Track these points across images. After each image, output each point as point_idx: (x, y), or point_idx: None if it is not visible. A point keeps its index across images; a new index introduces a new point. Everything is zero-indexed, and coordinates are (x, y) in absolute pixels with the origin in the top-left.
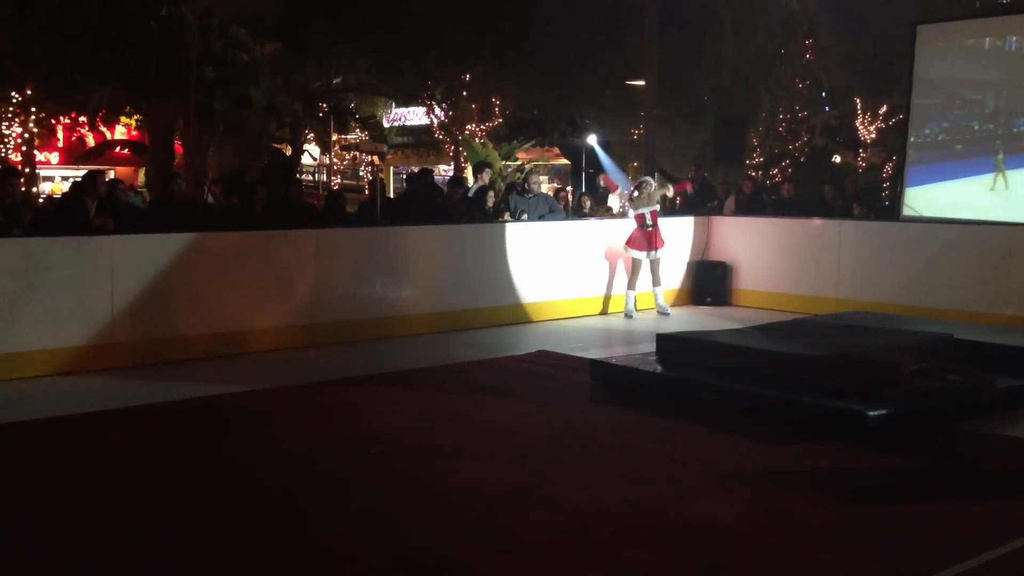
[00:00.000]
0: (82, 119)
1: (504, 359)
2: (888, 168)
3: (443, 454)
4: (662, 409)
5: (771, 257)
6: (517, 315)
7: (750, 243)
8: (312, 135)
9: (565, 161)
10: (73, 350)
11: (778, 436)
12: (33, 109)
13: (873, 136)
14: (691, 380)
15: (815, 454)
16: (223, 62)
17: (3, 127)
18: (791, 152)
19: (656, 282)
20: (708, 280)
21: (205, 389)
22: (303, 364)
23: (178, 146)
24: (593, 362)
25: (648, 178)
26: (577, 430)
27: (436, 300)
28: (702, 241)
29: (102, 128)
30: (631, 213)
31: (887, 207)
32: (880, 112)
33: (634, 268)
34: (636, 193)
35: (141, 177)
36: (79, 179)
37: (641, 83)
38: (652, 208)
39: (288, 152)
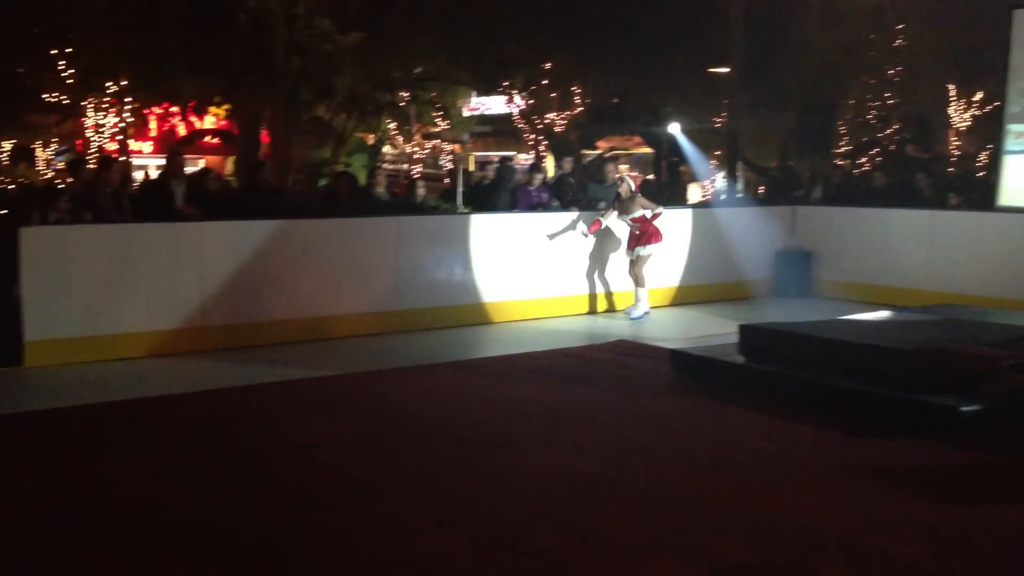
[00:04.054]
0: (173, 109)
1: (584, 348)
2: (983, 157)
3: (522, 441)
4: (745, 401)
5: (858, 247)
6: (600, 303)
7: (837, 233)
8: (394, 124)
9: (647, 150)
10: (165, 333)
11: (866, 431)
12: (128, 100)
13: (968, 124)
14: (775, 372)
15: (905, 450)
16: (308, 52)
17: (100, 118)
18: (880, 140)
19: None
20: (791, 271)
21: (290, 373)
22: (386, 350)
23: (265, 135)
24: (674, 352)
25: (626, 175)
26: (657, 420)
27: (516, 288)
28: (786, 231)
29: (192, 118)
30: (628, 217)
31: (982, 197)
32: (975, 100)
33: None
34: (622, 192)
35: (229, 166)
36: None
37: (724, 70)
38: (634, 213)
39: (371, 141)
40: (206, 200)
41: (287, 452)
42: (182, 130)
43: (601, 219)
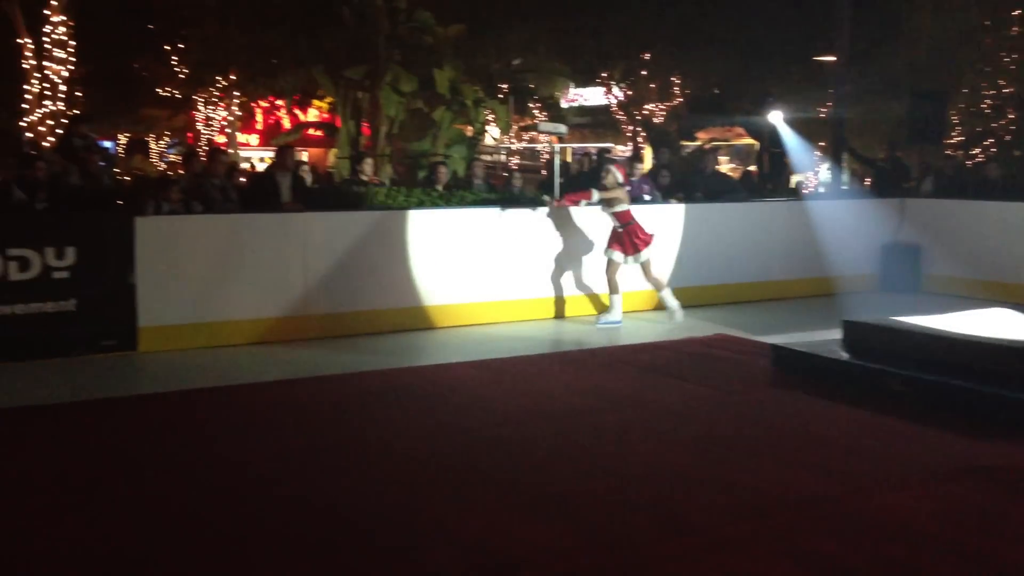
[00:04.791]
0: (278, 103)
1: (682, 341)
2: None
3: (617, 434)
4: (848, 398)
5: (970, 241)
6: (703, 296)
7: (948, 227)
8: (492, 116)
9: (749, 141)
10: (270, 321)
11: (976, 431)
12: (236, 94)
13: None
14: (881, 369)
15: (1015, 451)
16: (409, 45)
17: (210, 111)
18: (995, 131)
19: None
20: (898, 265)
21: (389, 361)
22: (482, 341)
23: (366, 128)
24: (775, 347)
25: (611, 167)
26: (756, 416)
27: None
28: (894, 224)
29: (296, 111)
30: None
31: None
32: None
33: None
34: (607, 185)
35: (331, 158)
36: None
37: (830, 59)
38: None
39: (469, 133)
40: (308, 192)
41: (384, 439)
42: (287, 123)
43: (573, 198)
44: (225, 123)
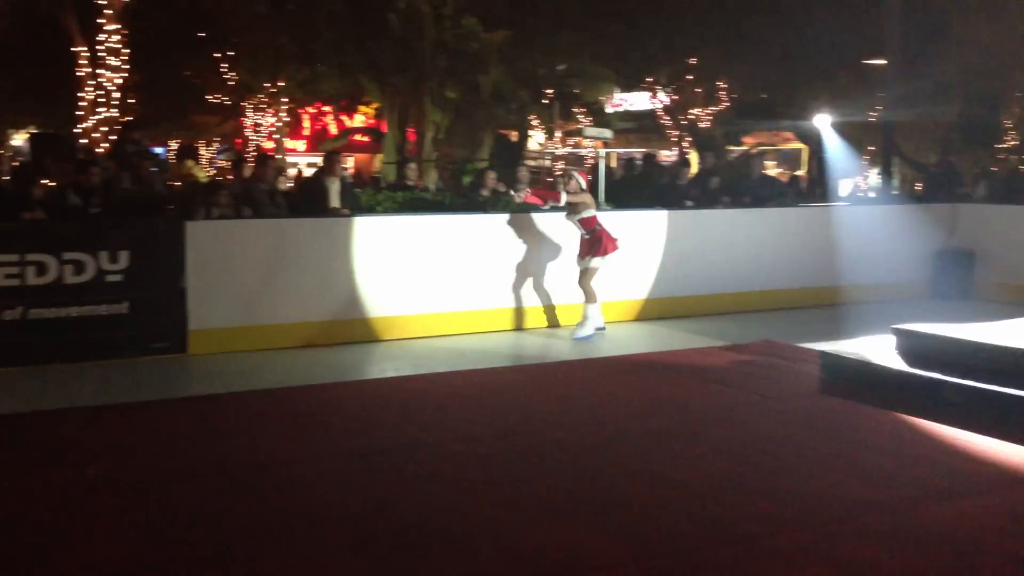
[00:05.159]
0: (325, 109)
1: (728, 347)
2: None
3: (664, 440)
4: (899, 406)
5: None
6: (748, 302)
7: (1001, 233)
8: (537, 121)
9: (796, 145)
10: (318, 324)
11: None
12: (284, 100)
13: None
14: (933, 377)
15: None
16: (455, 51)
17: (258, 117)
18: None
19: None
20: (951, 272)
21: (433, 366)
22: (527, 346)
23: (412, 133)
24: (824, 354)
25: (573, 171)
26: (804, 423)
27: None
28: (946, 230)
29: (343, 117)
30: (577, 218)
31: None
32: None
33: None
34: (570, 190)
35: (377, 163)
36: (322, 164)
37: (880, 62)
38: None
39: (514, 138)
40: (354, 196)
41: (430, 442)
42: (333, 128)
43: (538, 196)
44: (273, 129)
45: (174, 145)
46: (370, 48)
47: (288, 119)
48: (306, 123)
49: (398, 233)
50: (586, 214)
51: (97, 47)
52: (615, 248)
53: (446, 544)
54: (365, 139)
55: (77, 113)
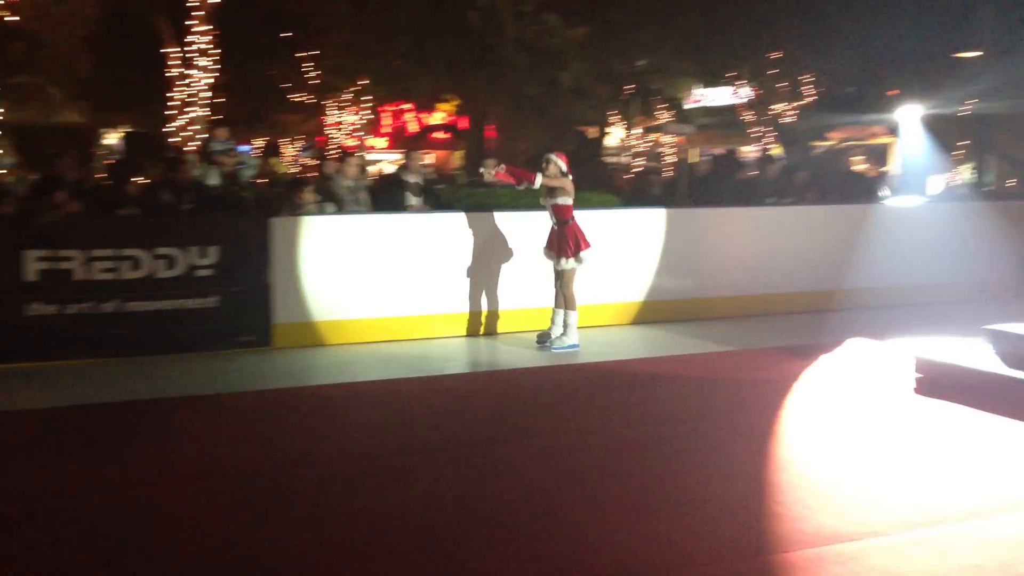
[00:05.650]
0: (405, 107)
1: (813, 346)
2: None
3: (751, 438)
4: (996, 409)
5: None
6: (832, 301)
7: None
8: (618, 117)
9: (885, 140)
10: (400, 319)
11: None
12: (369, 97)
13: None
14: None
15: None
16: (535, 48)
17: (340, 115)
18: None
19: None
20: None
21: (512, 360)
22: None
23: (491, 130)
24: (916, 355)
25: (552, 155)
26: (896, 426)
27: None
28: None
29: (422, 114)
30: (551, 203)
31: None
32: None
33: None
34: (548, 174)
35: (455, 160)
36: (402, 162)
37: (974, 54)
38: (558, 200)
39: (592, 134)
40: (434, 193)
41: (515, 437)
42: (413, 126)
43: (511, 175)
44: (354, 127)
45: (258, 143)
46: (450, 45)
47: (371, 116)
48: (386, 121)
49: (475, 229)
50: (562, 200)
51: (187, 48)
52: (588, 246)
53: (525, 540)
54: (445, 136)
55: (167, 112)
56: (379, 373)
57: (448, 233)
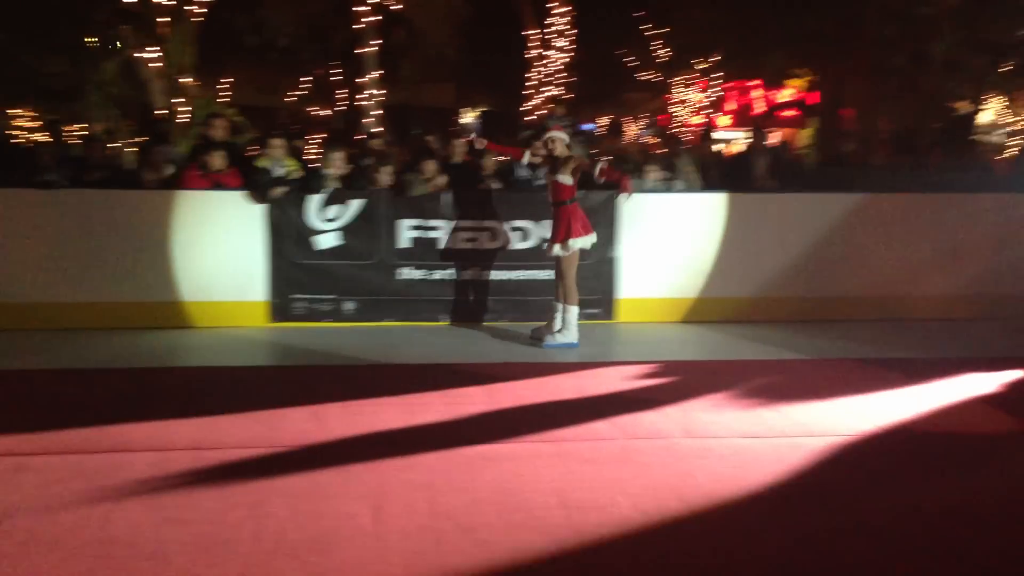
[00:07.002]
0: (750, 84)
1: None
2: None
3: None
4: None
5: None
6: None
7: None
8: (995, 92)
9: None
10: (745, 300)
11: None
12: (719, 74)
13: None
14: None
15: None
16: (902, 17)
17: (685, 94)
18: None
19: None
20: None
21: (858, 351)
22: (955, 336)
23: (848, 109)
24: None
25: (554, 132)
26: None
27: None
28: None
29: (770, 92)
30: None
31: None
32: None
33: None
34: (535, 152)
35: (802, 138)
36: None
37: None
38: (557, 177)
39: (965, 110)
40: (784, 172)
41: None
42: (760, 105)
43: (501, 149)
44: (702, 104)
45: (604, 121)
46: (807, 18)
47: (720, 93)
48: (731, 98)
49: (824, 210)
50: (561, 179)
51: (545, 30)
52: (583, 233)
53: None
54: (792, 113)
55: (524, 92)
56: (709, 354)
57: (801, 212)
